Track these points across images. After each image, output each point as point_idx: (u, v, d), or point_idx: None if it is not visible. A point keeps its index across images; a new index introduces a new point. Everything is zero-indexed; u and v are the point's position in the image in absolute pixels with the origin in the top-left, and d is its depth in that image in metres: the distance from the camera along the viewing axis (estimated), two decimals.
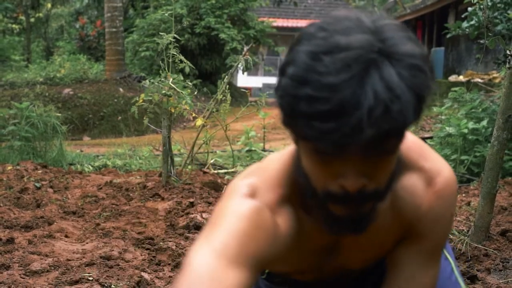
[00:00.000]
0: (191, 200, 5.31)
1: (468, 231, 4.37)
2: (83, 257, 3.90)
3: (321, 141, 1.18)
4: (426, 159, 1.49)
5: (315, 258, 1.57)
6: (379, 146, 1.20)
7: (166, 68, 6.06)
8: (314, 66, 1.17)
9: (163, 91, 5.93)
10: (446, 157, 7.76)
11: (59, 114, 9.50)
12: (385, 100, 1.13)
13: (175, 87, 5.95)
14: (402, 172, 1.45)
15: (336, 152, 1.20)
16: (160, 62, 6.16)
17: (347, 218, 1.34)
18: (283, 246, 1.45)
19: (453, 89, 9.20)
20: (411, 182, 1.48)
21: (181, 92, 5.95)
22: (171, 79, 5.99)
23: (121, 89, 16.82)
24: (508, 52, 4.04)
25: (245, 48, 7.97)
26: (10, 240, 4.17)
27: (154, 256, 3.99)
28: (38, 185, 6.25)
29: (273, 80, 31.27)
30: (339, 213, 1.34)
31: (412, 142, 1.49)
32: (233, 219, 1.39)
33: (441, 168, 1.50)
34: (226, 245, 1.34)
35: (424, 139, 9.48)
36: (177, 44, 6.18)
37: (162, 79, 6.03)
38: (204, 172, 7.00)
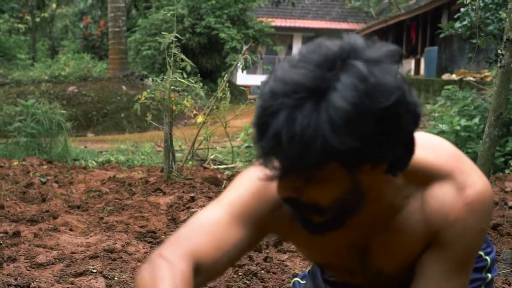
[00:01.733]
0: (192, 194, 5.31)
1: None
2: (87, 250, 3.90)
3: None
4: (462, 171, 1.46)
5: (344, 255, 1.58)
6: (287, 173, 1.26)
7: (169, 67, 6.06)
8: (262, 89, 1.26)
9: (167, 86, 5.92)
10: None
11: (64, 111, 9.50)
12: (282, 137, 1.20)
13: (184, 81, 5.94)
14: (434, 182, 1.46)
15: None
16: (164, 59, 6.14)
17: (302, 219, 1.40)
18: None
19: (446, 87, 9.21)
20: (441, 191, 1.46)
21: (194, 86, 5.94)
22: (174, 76, 5.98)
23: (124, 87, 16.81)
24: (499, 51, 4.04)
25: (244, 47, 7.97)
26: (16, 234, 4.17)
27: (156, 249, 3.99)
28: (43, 180, 6.25)
29: None
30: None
31: (449, 156, 1.48)
32: (244, 181, 1.52)
33: (475, 181, 1.46)
34: (231, 203, 1.48)
35: None
36: (179, 43, 6.17)
37: (166, 77, 6.02)
38: (205, 168, 7.00)
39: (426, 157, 1.43)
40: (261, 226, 1.51)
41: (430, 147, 1.48)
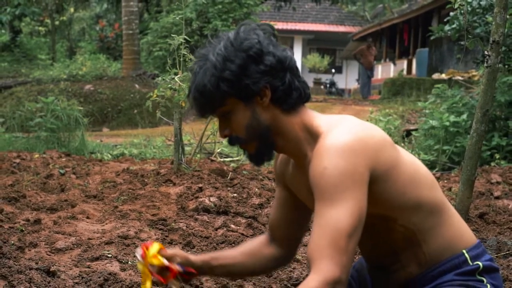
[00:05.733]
0: (200, 185, 5.31)
1: None
2: (103, 236, 3.91)
3: None
4: (328, 131, 1.71)
5: (312, 202, 1.75)
6: (206, 112, 1.78)
7: (177, 66, 6.05)
8: None
9: (169, 85, 5.90)
10: (430, 147, 7.76)
11: (81, 108, 9.51)
12: (192, 85, 1.75)
13: (177, 80, 5.91)
14: (316, 143, 1.72)
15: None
16: (172, 59, 6.13)
17: (247, 155, 1.83)
18: (291, 175, 1.91)
19: (436, 86, 9.20)
20: (314, 149, 1.71)
21: (182, 86, 5.90)
22: (177, 76, 5.96)
23: (136, 85, 16.80)
24: (486, 52, 4.03)
25: None
26: (37, 221, 4.18)
27: (166, 236, 3.99)
28: (62, 171, 6.26)
29: None
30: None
31: (334, 120, 1.75)
32: None
33: (329, 135, 1.67)
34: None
35: (409, 131, 9.47)
36: (187, 45, 6.16)
37: (172, 76, 6.01)
38: (212, 160, 7.00)
39: (321, 122, 1.76)
40: (284, 183, 1.97)
41: (332, 117, 1.79)
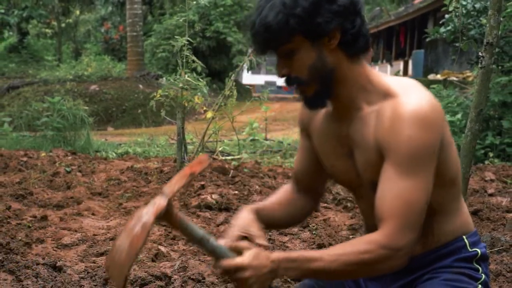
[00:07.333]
0: (202, 183, 5.31)
1: None
2: (108, 232, 3.91)
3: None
4: (406, 93, 1.62)
5: (340, 156, 1.77)
6: (273, 48, 1.64)
7: (181, 67, 6.05)
8: None
9: (180, 85, 5.92)
10: None
11: (87, 108, 9.51)
12: (256, 19, 1.61)
13: (191, 79, 5.93)
14: (387, 99, 1.64)
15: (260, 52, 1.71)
16: (177, 60, 6.13)
17: (302, 97, 1.71)
18: (318, 126, 1.83)
19: (431, 86, 9.19)
20: (385, 107, 1.64)
21: (197, 84, 5.93)
22: (186, 75, 5.98)
23: (140, 86, 16.81)
24: (480, 53, 4.02)
25: (250, 50, 7.95)
26: (44, 218, 4.18)
27: (169, 232, 3.99)
28: (68, 169, 6.26)
29: (274, 78, 31.18)
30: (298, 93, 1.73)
31: (405, 84, 1.67)
32: None
33: (410, 101, 1.60)
34: None
35: None
36: (190, 46, 6.15)
37: (178, 76, 6.02)
38: (214, 159, 7.00)
39: (390, 81, 1.68)
40: (307, 132, 1.88)
41: (399, 79, 1.71)
